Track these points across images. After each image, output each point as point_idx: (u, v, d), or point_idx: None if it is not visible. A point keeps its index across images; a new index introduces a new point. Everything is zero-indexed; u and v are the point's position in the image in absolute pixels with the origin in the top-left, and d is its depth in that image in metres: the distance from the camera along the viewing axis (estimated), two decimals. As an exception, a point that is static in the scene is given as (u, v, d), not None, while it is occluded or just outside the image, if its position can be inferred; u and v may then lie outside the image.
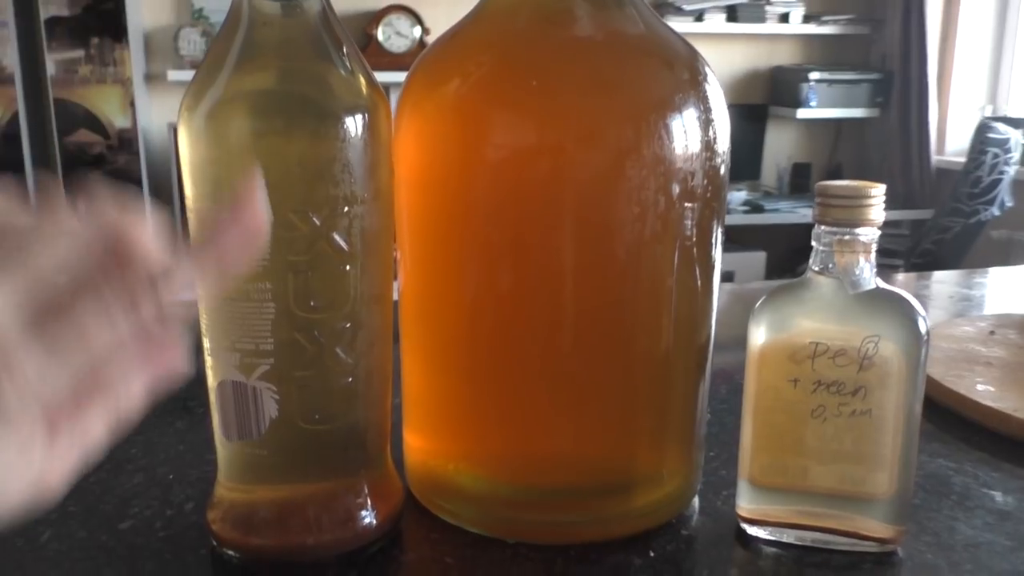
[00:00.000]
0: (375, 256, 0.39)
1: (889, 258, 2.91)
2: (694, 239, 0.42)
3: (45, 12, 2.56)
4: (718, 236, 0.44)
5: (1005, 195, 2.61)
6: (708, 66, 0.44)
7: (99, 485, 0.49)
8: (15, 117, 2.60)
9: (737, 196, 3.13)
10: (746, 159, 3.35)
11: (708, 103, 0.42)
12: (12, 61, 2.58)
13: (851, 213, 0.40)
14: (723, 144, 0.42)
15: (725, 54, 3.41)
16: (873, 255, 0.40)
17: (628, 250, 0.40)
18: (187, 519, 0.45)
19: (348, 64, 0.38)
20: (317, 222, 0.37)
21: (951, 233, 2.64)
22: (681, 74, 0.42)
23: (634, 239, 0.40)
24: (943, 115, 3.41)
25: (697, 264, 0.43)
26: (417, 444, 0.47)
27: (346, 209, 0.37)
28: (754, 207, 3.11)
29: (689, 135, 0.40)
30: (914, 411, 0.41)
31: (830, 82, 3.34)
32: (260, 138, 0.36)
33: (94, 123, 2.65)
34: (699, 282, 0.43)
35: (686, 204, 0.41)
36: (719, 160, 0.42)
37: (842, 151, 3.58)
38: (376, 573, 0.41)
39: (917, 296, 0.94)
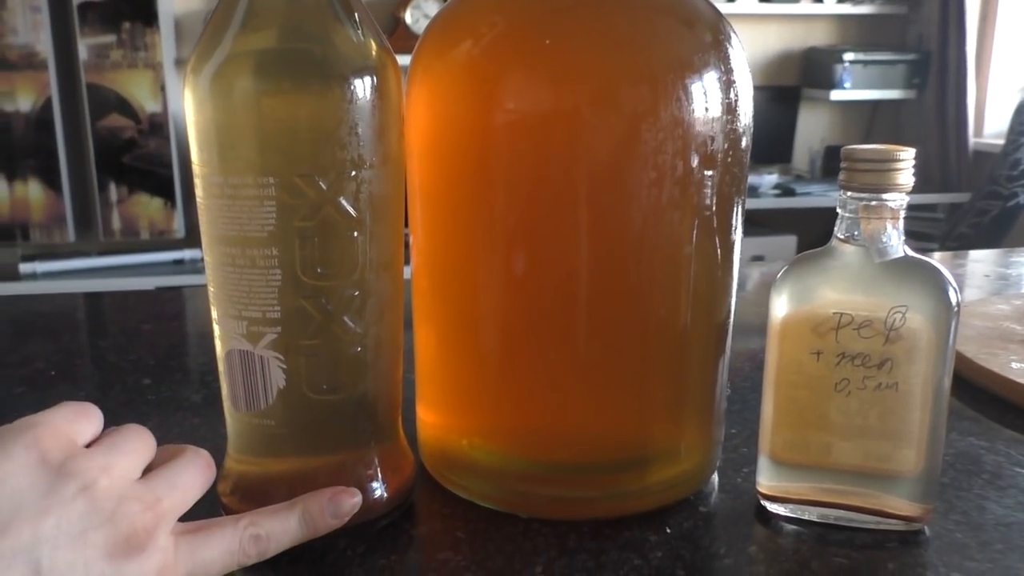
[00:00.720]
0: (384, 223, 0.38)
1: (924, 242, 2.86)
2: (714, 208, 0.41)
3: (77, -3, 2.58)
4: (739, 207, 0.43)
5: (1045, 177, 2.55)
6: (733, 30, 0.42)
7: (113, 457, 0.48)
8: (48, 102, 2.63)
9: (768, 179, 3.09)
10: (778, 142, 3.30)
11: (730, 66, 0.40)
12: (46, 47, 2.61)
13: (878, 177, 0.38)
14: (745, 109, 0.41)
15: (758, 35, 3.36)
16: (901, 222, 0.39)
17: (645, 216, 0.39)
18: (199, 491, 0.44)
19: (357, 25, 0.37)
20: (324, 187, 0.36)
21: (988, 216, 2.58)
22: (703, 35, 0.41)
23: (651, 205, 0.39)
24: (982, 96, 3.33)
25: (717, 235, 0.41)
26: (431, 419, 0.46)
27: (353, 173, 0.36)
28: (785, 191, 3.06)
29: (709, 98, 0.39)
30: (943, 385, 0.39)
31: (865, 63, 3.28)
32: (264, 98, 0.35)
33: (125, 107, 2.67)
34: (719, 253, 0.42)
35: (705, 170, 0.39)
36: (740, 125, 0.41)
37: (877, 134, 3.51)
38: (386, 546, 0.40)
39: (961, 276, 0.92)
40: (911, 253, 0.39)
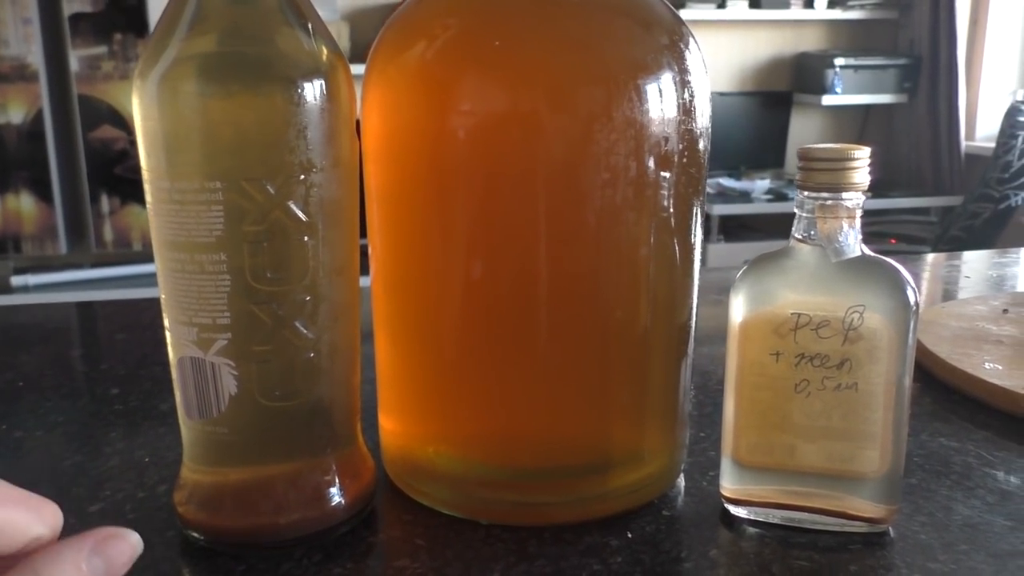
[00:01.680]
0: (336, 227, 0.38)
1: (917, 245, 2.86)
2: (671, 210, 0.40)
3: (69, 8, 2.58)
4: (698, 209, 0.42)
5: (1036, 180, 2.55)
6: (693, 36, 0.42)
7: (74, 468, 0.48)
8: (39, 114, 2.63)
9: (761, 184, 3.09)
10: (770, 147, 3.30)
11: (685, 67, 0.40)
12: (37, 58, 2.61)
13: (834, 177, 0.38)
14: (702, 111, 0.41)
15: (749, 41, 3.37)
16: (858, 221, 0.39)
17: (601, 217, 0.39)
18: (158, 501, 0.44)
19: (306, 29, 0.37)
20: (272, 190, 0.35)
21: (980, 219, 2.58)
22: (658, 37, 0.40)
23: (607, 206, 0.38)
24: (973, 100, 3.33)
25: (675, 236, 0.41)
26: (391, 427, 0.46)
27: (303, 177, 0.36)
28: (778, 196, 3.06)
29: (664, 98, 0.39)
30: (903, 384, 0.39)
31: (856, 68, 3.29)
32: (210, 102, 0.35)
33: (117, 119, 2.67)
34: (678, 255, 0.42)
35: (661, 172, 0.39)
36: (696, 127, 0.40)
37: (869, 138, 3.51)
38: (344, 554, 0.39)
39: (943, 276, 0.92)
40: (868, 252, 0.39)
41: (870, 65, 3.30)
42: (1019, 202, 2.57)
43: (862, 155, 0.38)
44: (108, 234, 2.77)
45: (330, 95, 0.37)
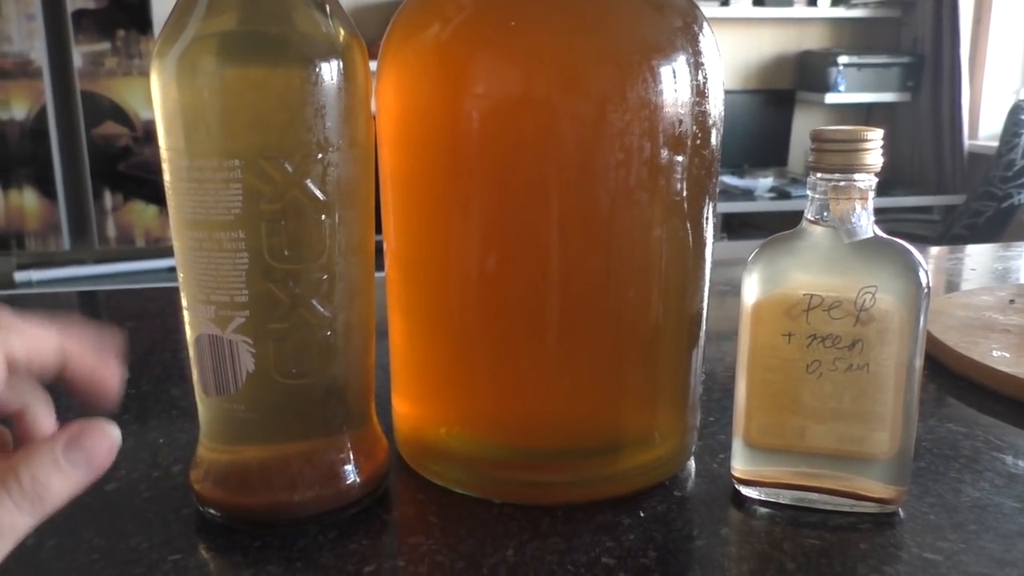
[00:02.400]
0: (353, 206, 0.38)
1: (920, 244, 2.85)
2: (684, 193, 0.41)
3: (72, 5, 2.59)
4: (710, 194, 0.43)
5: (1039, 178, 2.55)
6: (706, 20, 0.42)
7: (89, 448, 0.48)
8: (43, 110, 2.63)
9: (764, 183, 3.09)
10: (773, 145, 3.30)
11: (699, 49, 0.40)
12: (40, 55, 2.61)
13: (847, 158, 0.38)
14: (715, 93, 0.41)
15: (752, 39, 3.37)
16: (871, 203, 0.39)
17: (614, 198, 0.39)
18: (173, 480, 0.44)
19: (323, 8, 0.37)
20: (289, 169, 0.36)
21: (983, 218, 2.58)
22: (672, 19, 0.41)
23: (620, 187, 0.39)
24: (976, 99, 3.33)
25: (688, 220, 0.41)
26: (406, 410, 0.46)
27: (320, 156, 0.36)
28: (781, 194, 3.06)
29: (678, 80, 0.39)
30: (914, 366, 0.39)
31: (859, 66, 3.29)
32: (228, 80, 0.35)
33: (120, 115, 2.67)
34: (690, 238, 0.42)
35: (674, 154, 0.39)
36: (709, 108, 0.41)
37: (872, 136, 3.51)
38: (358, 531, 0.40)
39: (948, 269, 0.92)
40: (880, 234, 0.39)
41: (873, 64, 3.30)
42: (1022, 200, 2.57)
43: (875, 136, 0.38)
44: (111, 230, 2.77)
45: (347, 75, 0.37)
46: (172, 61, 0.35)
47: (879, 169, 0.38)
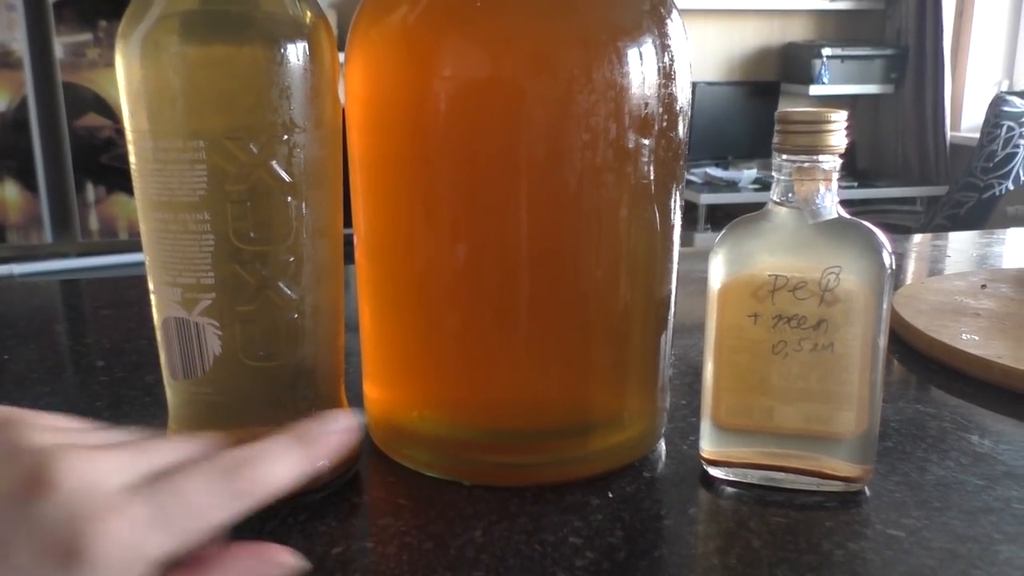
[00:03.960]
0: (320, 188, 0.38)
1: (903, 235, 2.87)
2: (651, 175, 0.41)
3: (53, -5, 2.56)
4: (678, 178, 0.43)
5: (1020, 169, 2.57)
6: (674, 3, 0.42)
7: (59, 434, 0.48)
8: (24, 102, 2.61)
9: (748, 174, 3.10)
10: (757, 137, 3.31)
11: (666, 33, 0.40)
12: (21, 45, 2.59)
13: (811, 139, 0.38)
14: (681, 77, 0.41)
15: (736, 31, 3.37)
16: (834, 184, 0.39)
17: (581, 179, 0.39)
18: (144, 465, 0.44)
19: (289, -11, 0.37)
20: (255, 150, 0.36)
21: (965, 208, 2.60)
22: (639, 3, 0.41)
23: (586, 168, 0.39)
24: (958, 91, 3.35)
25: (656, 202, 0.42)
26: (376, 394, 0.46)
27: (285, 137, 0.36)
28: (765, 185, 3.07)
29: (645, 62, 0.39)
30: (878, 345, 0.39)
31: (843, 58, 3.30)
32: (192, 59, 0.35)
33: (103, 107, 2.66)
34: (658, 220, 0.42)
35: (641, 135, 0.39)
36: (676, 91, 0.41)
37: (856, 128, 3.53)
38: (330, 514, 0.40)
39: (928, 255, 0.92)
40: (845, 215, 0.39)
41: (857, 56, 3.32)
42: (1003, 191, 2.59)
43: (838, 118, 0.38)
44: (94, 223, 2.75)
45: (313, 56, 0.37)
46: (136, 41, 0.35)
47: (843, 151, 0.39)
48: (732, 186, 3.08)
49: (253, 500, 0.26)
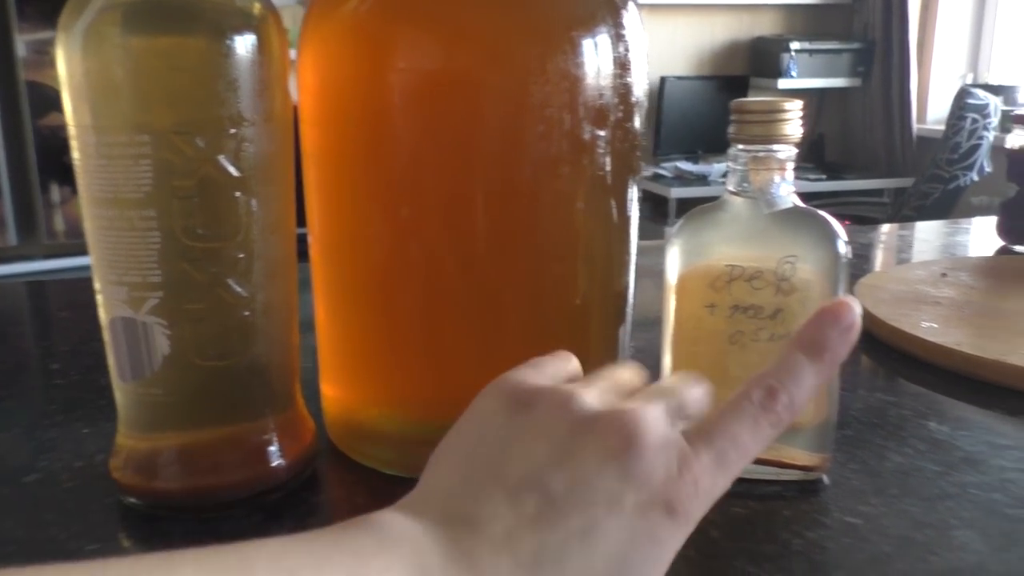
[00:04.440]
0: (271, 183, 0.38)
1: (871, 226, 2.90)
2: (607, 167, 0.40)
3: (14, -7, 2.52)
4: (635, 168, 0.43)
5: (984, 160, 2.61)
6: None
7: (10, 441, 0.47)
8: (-15, 102, 2.57)
9: (718, 168, 3.11)
10: (726, 131, 3.33)
11: (621, 23, 0.40)
12: (-19, 45, 2.54)
13: (766, 129, 0.38)
14: (637, 68, 0.41)
15: (706, 25, 3.39)
16: (790, 173, 0.39)
17: (536, 171, 0.39)
18: (96, 470, 0.43)
19: (235, -19, 0.36)
20: (201, 144, 0.35)
21: (930, 199, 2.63)
22: (594, -7, 0.40)
23: (541, 159, 0.38)
24: (924, 84, 3.39)
25: (612, 195, 0.41)
26: (333, 393, 0.46)
27: (233, 131, 0.36)
28: (735, 179, 3.09)
29: (600, 53, 0.39)
30: (835, 334, 0.39)
31: (811, 52, 3.33)
32: (136, 51, 0.34)
33: (66, 107, 2.61)
34: (615, 212, 0.42)
35: (596, 126, 0.39)
36: (632, 82, 0.40)
37: (824, 121, 3.56)
38: (286, 514, 0.39)
39: (895, 245, 0.93)
40: (800, 204, 0.39)
41: (825, 49, 3.35)
42: (967, 182, 2.63)
43: (793, 107, 0.38)
44: (60, 224, 2.71)
45: (261, 48, 0.36)
46: (78, 32, 0.34)
47: (798, 140, 0.39)
48: (702, 180, 3.09)
49: (784, 426, 0.29)
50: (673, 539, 0.26)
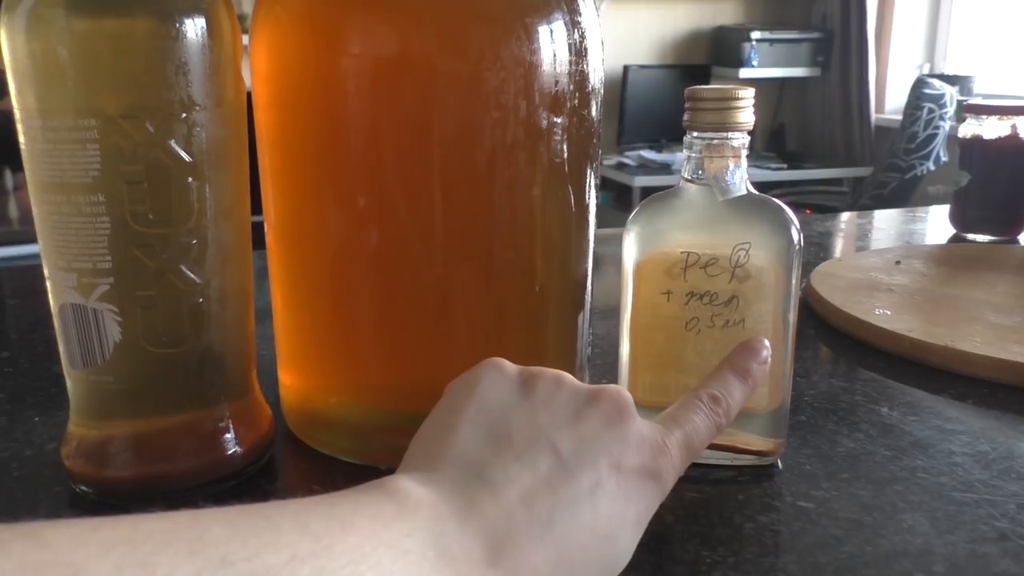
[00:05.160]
0: (223, 168, 0.37)
1: (829, 214, 2.94)
2: (564, 154, 0.40)
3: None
4: (593, 155, 0.43)
5: (940, 150, 2.65)
6: None
7: (-43, 428, 0.46)
8: (-66, 84, 2.50)
9: (681, 156, 3.13)
10: (689, 120, 3.35)
11: (576, 9, 0.40)
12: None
13: (720, 116, 0.38)
14: (593, 54, 0.41)
15: (668, 14, 3.40)
16: (744, 161, 0.39)
17: (492, 158, 0.39)
18: (47, 458, 0.43)
19: (185, -38, 0.35)
20: (151, 128, 0.34)
21: (888, 188, 2.67)
22: (549, -21, 0.40)
23: (497, 146, 0.38)
24: (882, 74, 3.44)
25: (570, 181, 0.41)
26: (291, 381, 0.45)
27: (184, 115, 0.35)
28: (697, 167, 3.11)
29: (555, 39, 0.39)
30: (788, 321, 0.40)
31: (772, 42, 3.36)
32: (81, 34, 0.33)
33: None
34: (572, 200, 0.42)
35: (552, 113, 0.39)
36: (587, 69, 0.40)
37: (784, 111, 3.60)
38: (239, 502, 0.39)
39: (854, 233, 0.95)
40: (754, 191, 0.40)
41: (785, 39, 3.38)
42: (924, 172, 2.67)
43: (747, 95, 0.38)
44: (13, 211, 2.65)
45: (211, 31, 0.36)
46: (21, 13, 0.34)
47: (751, 127, 0.39)
48: (666, 168, 3.11)
49: (724, 428, 0.35)
50: (656, 502, 0.30)
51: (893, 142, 2.76)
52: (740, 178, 0.39)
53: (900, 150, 2.68)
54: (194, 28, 0.35)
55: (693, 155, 0.40)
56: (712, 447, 0.41)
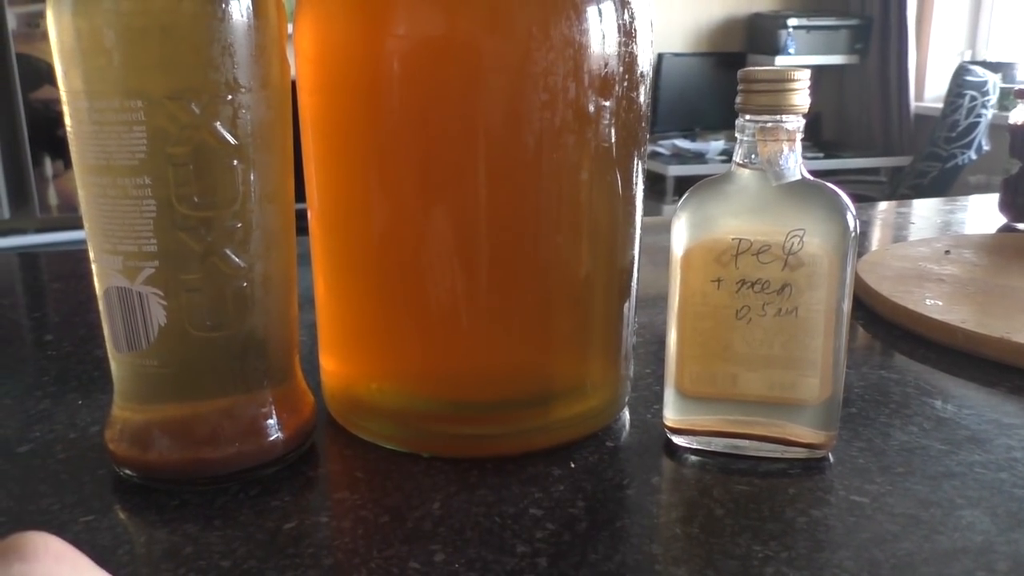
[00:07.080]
0: (268, 151, 0.37)
1: (867, 204, 2.90)
2: (612, 138, 0.40)
3: (3, -36, 2.49)
4: (641, 139, 0.42)
5: (982, 139, 2.60)
6: None
7: (2, 412, 0.47)
8: (-25, 73, 2.54)
9: (715, 145, 3.10)
10: (724, 108, 3.31)
11: (627, -11, 0.39)
12: (-29, 16, 2.51)
13: (774, 99, 0.37)
14: (643, 36, 0.40)
15: (702, 1, 3.36)
16: (798, 145, 0.38)
17: (540, 141, 0.38)
18: (90, 441, 0.43)
19: (230, -58, 0.35)
20: (196, 110, 0.34)
21: (928, 178, 2.62)
22: (598, -42, 0.39)
23: (545, 128, 0.37)
24: (922, 61, 3.37)
25: (618, 166, 0.41)
26: (333, 367, 0.45)
27: (229, 97, 0.35)
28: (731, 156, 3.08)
29: (604, 19, 0.38)
30: (842, 310, 0.39)
31: (809, 28, 3.31)
32: (128, 14, 0.33)
33: (58, 78, 2.58)
34: (620, 184, 0.41)
35: (600, 95, 0.38)
36: (637, 51, 0.39)
37: (821, 99, 3.54)
38: (283, 488, 0.39)
39: (893, 223, 0.93)
40: (808, 176, 0.38)
41: (822, 26, 3.32)
42: (965, 161, 2.62)
43: (802, 76, 0.37)
44: (53, 198, 2.69)
45: (257, 11, 0.35)
46: (67, -3, 0.33)
47: (806, 110, 0.38)
48: (700, 158, 3.08)
49: None
50: None
51: (933, 131, 2.71)
52: (795, 162, 0.38)
53: (940, 139, 2.62)
54: (240, 8, 0.34)
55: (745, 139, 0.38)
56: (762, 439, 0.41)
